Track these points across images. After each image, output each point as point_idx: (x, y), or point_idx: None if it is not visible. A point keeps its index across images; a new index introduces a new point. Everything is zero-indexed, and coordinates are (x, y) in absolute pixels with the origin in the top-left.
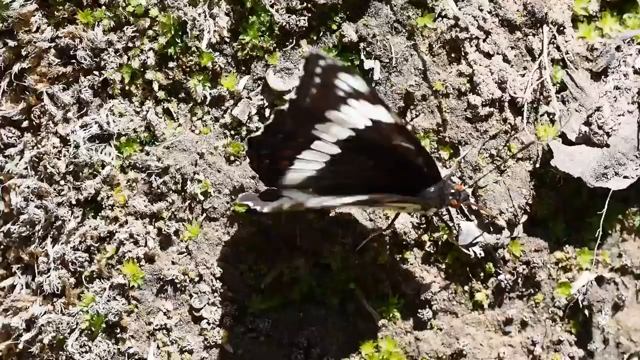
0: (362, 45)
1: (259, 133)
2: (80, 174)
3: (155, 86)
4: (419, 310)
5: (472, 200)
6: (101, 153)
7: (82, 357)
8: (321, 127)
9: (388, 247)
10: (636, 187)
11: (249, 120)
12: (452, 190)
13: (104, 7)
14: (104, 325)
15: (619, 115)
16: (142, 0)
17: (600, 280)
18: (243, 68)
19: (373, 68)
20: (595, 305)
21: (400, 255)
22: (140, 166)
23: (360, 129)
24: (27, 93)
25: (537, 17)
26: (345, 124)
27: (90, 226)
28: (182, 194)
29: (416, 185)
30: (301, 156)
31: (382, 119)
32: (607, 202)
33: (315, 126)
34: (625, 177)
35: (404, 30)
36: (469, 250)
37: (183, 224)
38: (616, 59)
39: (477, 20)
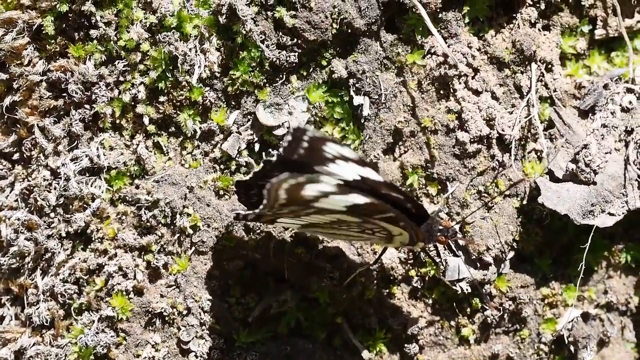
0: (351, 81)
1: (246, 178)
2: (71, 206)
3: (146, 120)
4: (406, 345)
5: (459, 236)
6: (91, 186)
7: None
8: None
9: (375, 281)
10: (622, 225)
11: (238, 155)
12: (441, 227)
13: (95, 42)
14: (92, 357)
15: (605, 153)
16: (134, 35)
17: (585, 316)
18: (233, 103)
19: (362, 104)
20: (580, 342)
21: (387, 290)
22: (130, 199)
23: (349, 180)
24: (18, 126)
25: (525, 55)
26: (334, 176)
27: (79, 258)
28: (172, 227)
29: None
30: None
31: (370, 176)
32: (590, 238)
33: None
34: (611, 214)
35: (393, 67)
36: (456, 286)
37: (172, 257)
38: (604, 97)
39: (466, 58)
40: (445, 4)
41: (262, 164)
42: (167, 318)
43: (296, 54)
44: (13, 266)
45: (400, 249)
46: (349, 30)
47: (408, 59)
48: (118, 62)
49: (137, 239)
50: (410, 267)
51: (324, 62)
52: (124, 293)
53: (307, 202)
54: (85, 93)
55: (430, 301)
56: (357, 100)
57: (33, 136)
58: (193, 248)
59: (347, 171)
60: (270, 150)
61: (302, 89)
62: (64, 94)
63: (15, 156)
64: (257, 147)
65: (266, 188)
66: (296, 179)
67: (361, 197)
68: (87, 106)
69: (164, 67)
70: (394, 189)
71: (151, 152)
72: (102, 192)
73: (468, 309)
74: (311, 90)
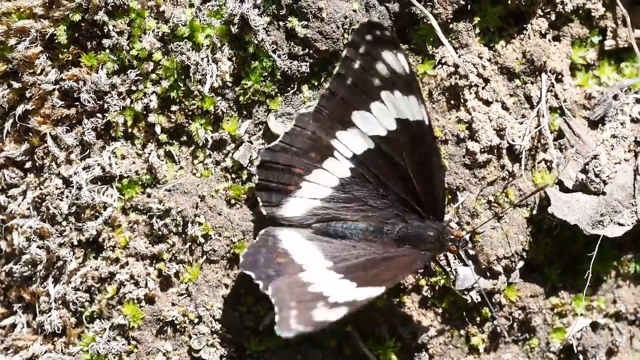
0: None
1: (275, 142)
2: (82, 215)
3: (158, 129)
4: (416, 354)
5: (470, 246)
6: (103, 195)
7: None
8: (341, 136)
9: None
10: (631, 235)
11: (250, 164)
12: (452, 237)
13: (108, 51)
14: None
15: (615, 164)
16: (146, 44)
17: (594, 326)
18: (245, 112)
19: None
20: (589, 351)
21: (397, 299)
22: (142, 208)
23: (381, 137)
24: (31, 134)
25: (535, 65)
26: (369, 129)
27: (91, 267)
28: (183, 236)
29: (415, 220)
30: (310, 177)
31: (409, 117)
32: (598, 247)
33: (336, 133)
34: (620, 224)
35: None
36: (466, 295)
37: (183, 266)
38: (613, 108)
39: (476, 68)
40: (456, 14)
41: (294, 120)
42: (178, 326)
43: (308, 63)
44: (25, 274)
45: None
46: None
47: (419, 69)
48: (130, 72)
49: (148, 248)
50: (421, 277)
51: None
52: (136, 301)
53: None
54: (98, 102)
55: (440, 310)
56: None
57: (45, 145)
58: (204, 257)
59: (385, 116)
60: None
61: (313, 98)
62: (77, 103)
63: (28, 164)
64: None
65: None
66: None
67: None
68: (99, 115)
69: (176, 76)
70: (428, 142)
71: (163, 161)
72: (114, 201)
73: (478, 318)
74: None
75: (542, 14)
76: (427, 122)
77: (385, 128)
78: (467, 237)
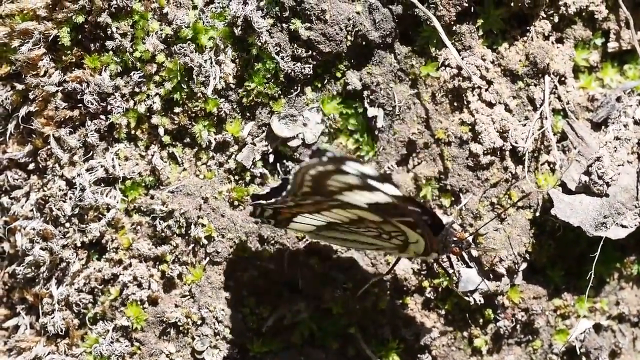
0: (365, 93)
1: (263, 192)
2: (86, 216)
3: (161, 131)
4: (419, 355)
5: (472, 247)
6: (106, 196)
7: None
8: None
9: (388, 292)
10: (634, 236)
11: (253, 166)
12: (454, 238)
13: (111, 52)
14: None
15: (618, 165)
16: (149, 46)
17: (597, 327)
18: (248, 114)
19: (376, 116)
20: (592, 353)
21: (400, 301)
22: (145, 210)
23: (359, 206)
24: (34, 136)
25: (539, 67)
26: (347, 200)
27: (94, 268)
28: (186, 237)
29: None
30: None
31: (380, 200)
32: (600, 249)
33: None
34: (623, 226)
35: (407, 79)
36: (469, 297)
37: (186, 268)
38: (616, 110)
39: (479, 70)
40: (459, 16)
41: (280, 182)
42: (181, 328)
43: (311, 65)
44: (28, 275)
45: (413, 259)
46: (364, 43)
47: (422, 71)
48: (133, 73)
49: (151, 249)
50: (424, 278)
51: (338, 74)
52: (139, 303)
53: (331, 193)
54: (101, 104)
55: (443, 312)
56: (371, 111)
57: (48, 146)
58: (207, 258)
59: (356, 198)
60: (285, 161)
61: (316, 100)
62: (80, 105)
63: (31, 166)
64: (271, 158)
65: (293, 172)
66: (324, 166)
67: (384, 196)
68: (102, 117)
69: (179, 78)
70: (411, 202)
71: (166, 162)
72: (117, 202)
73: (481, 320)
74: (326, 101)
75: (545, 16)
76: (402, 200)
77: (362, 202)
78: (470, 239)
